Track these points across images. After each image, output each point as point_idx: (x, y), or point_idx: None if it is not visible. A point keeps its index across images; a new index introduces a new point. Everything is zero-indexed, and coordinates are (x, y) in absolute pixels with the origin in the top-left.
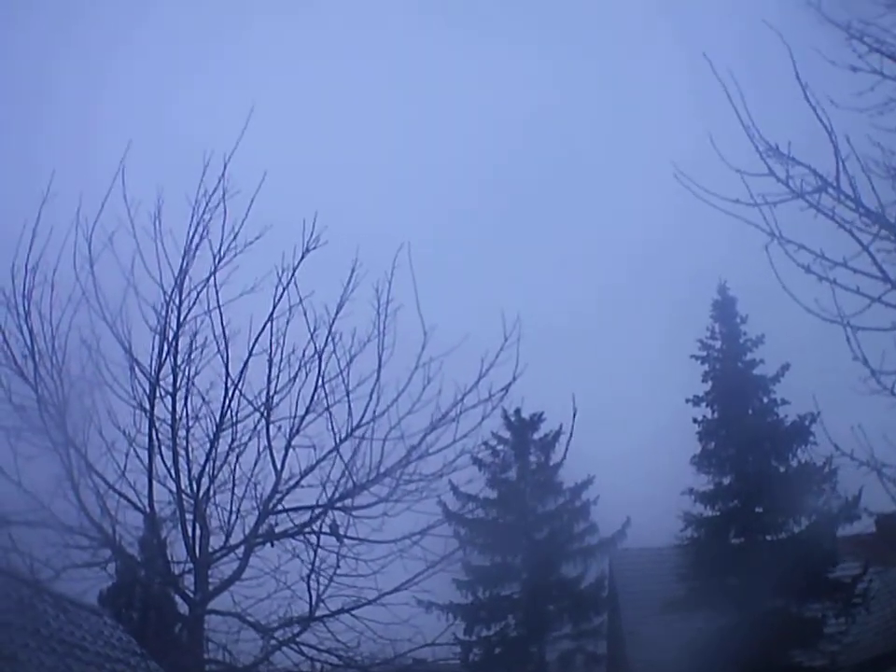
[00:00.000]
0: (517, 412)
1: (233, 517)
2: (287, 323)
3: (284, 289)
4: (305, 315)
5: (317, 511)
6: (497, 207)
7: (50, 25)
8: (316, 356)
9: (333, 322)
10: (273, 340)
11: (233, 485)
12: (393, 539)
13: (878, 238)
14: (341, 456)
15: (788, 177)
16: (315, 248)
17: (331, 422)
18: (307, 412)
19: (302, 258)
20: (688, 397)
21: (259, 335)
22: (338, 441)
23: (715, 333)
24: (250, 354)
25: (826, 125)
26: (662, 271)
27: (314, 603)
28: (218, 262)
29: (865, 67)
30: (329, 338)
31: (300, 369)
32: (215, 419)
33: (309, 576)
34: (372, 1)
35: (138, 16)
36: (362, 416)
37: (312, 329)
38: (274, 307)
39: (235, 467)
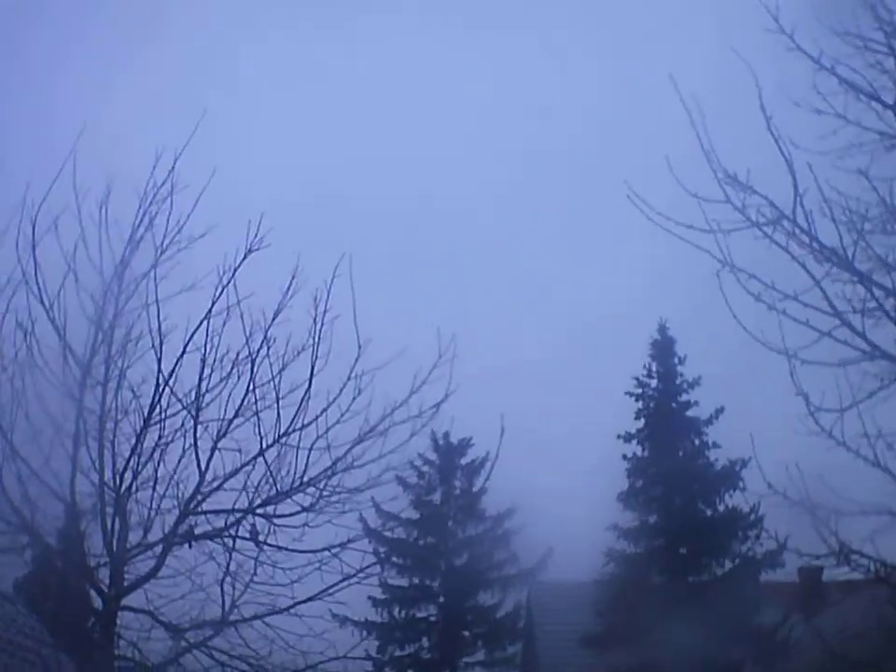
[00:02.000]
0: (446, 435)
1: (153, 515)
2: (224, 325)
3: (223, 289)
4: (242, 317)
5: (238, 515)
6: (449, 224)
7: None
8: (249, 359)
9: (269, 327)
10: (209, 340)
11: (155, 483)
12: (312, 550)
13: (830, 275)
14: (266, 462)
15: (744, 206)
16: (257, 249)
17: (259, 427)
18: (236, 415)
19: (244, 258)
20: (620, 433)
21: (194, 333)
22: (264, 446)
23: (651, 372)
24: (183, 351)
25: (787, 157)
26: (606, 303)
27: (227, 608)
28: (160, 255)
29: (829, 111)
30: (264, 343)
31: (232, 370)
32: (143, 414)
33: (223, 580)
34: None
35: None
36: (290, 424)
37: (247, 333)
38: (212, 306)
39: (159, 464)
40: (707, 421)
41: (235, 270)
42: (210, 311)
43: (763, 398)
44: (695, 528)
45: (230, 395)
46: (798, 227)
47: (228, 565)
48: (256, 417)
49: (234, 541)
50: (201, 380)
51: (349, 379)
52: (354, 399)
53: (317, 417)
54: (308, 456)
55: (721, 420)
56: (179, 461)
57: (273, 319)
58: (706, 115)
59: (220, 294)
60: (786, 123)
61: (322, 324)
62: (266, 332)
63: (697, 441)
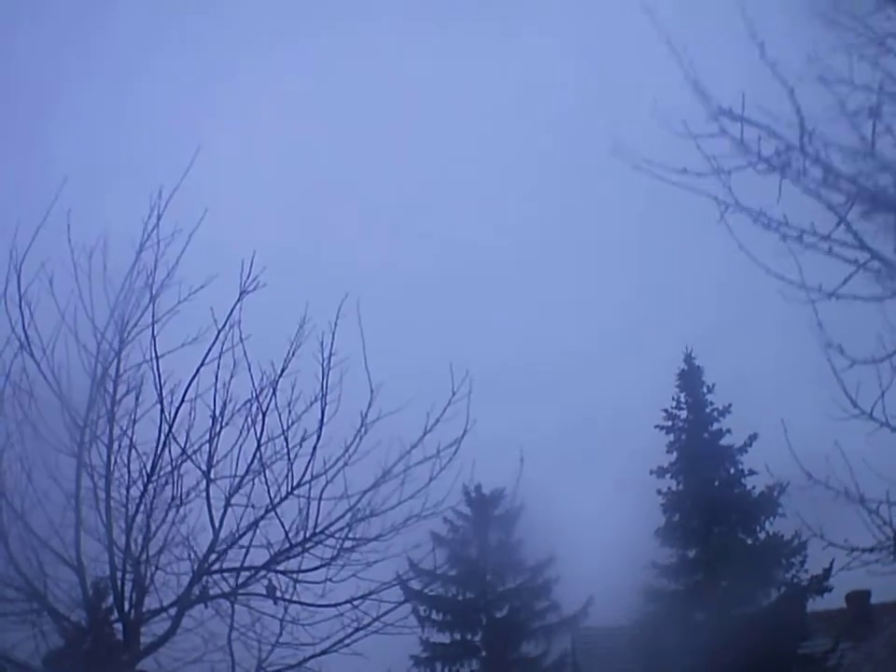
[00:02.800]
0: (478, 488)
1: (168, 576)
2: (231, 377)
3: (218, 334)
4: (250, 368)
5: (251, 572)
6: (456, 258)
7: None
8: (259, 412)
9: (278, 380)
10: (217, 393)
11: (165, 543)
12: (333, 604)
13: (854, 207)
14: (278, 517)
15: (742, 141)
16: (252, 290)
17: (266, 482)
18: (247, 470)
19: (239, 300)
20: (652, 468)
21: (189, 384)
22: (274, 500)
23: (680, 403)
24: (181, 403)
25: (786, 84)
26: (629, 332)
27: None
28: (155, 304)
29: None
30: (273, 395)
31: (244, 427)
32: (147, 472)
33: (229, 636)
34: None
35: (85, 46)
36: (303, 475)
37: (255, 386)
38: (207, 354)
39: (172, 524)
40: (740, 448)
41: (231, 313)
42: (205, 359)
43: (794, 389)
44: (736, 559)
45: (240, 449)
46: (809, 157)
47: (231, 622)
48: (267, 470)
49: (239, 599)
50: (212, 437)
51: (362, 426)
52: (358, 440)
53: (330, 467)
54: (319, 507)
55: (756, 445)
56: (181, 517)
57: (282, 373)
58: (690, 46)
59: (215, 342)
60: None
61: (328, 369)
62: (275, 386)
63: (732, 470)
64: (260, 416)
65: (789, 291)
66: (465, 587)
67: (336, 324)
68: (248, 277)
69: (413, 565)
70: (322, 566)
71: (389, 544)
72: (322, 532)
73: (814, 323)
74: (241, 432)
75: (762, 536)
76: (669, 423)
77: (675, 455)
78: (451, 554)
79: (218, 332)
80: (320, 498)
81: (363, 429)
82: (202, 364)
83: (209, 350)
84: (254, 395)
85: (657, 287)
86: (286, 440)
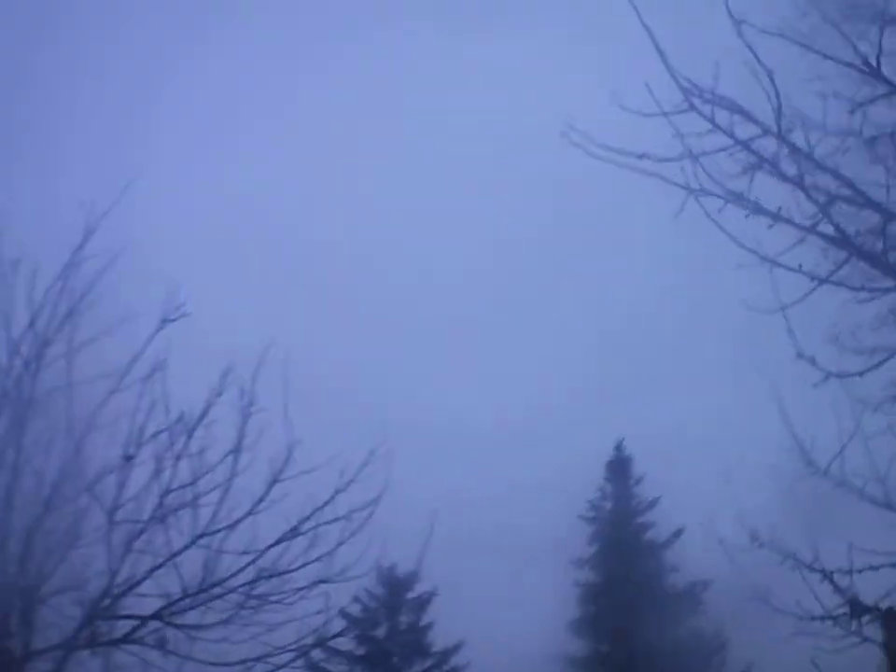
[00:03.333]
0: (391, 568)
1: (62, 618)
2: (147, 419)
3: (138, 365)
4: (168, 411)
5: (142, 621)
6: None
7: None
8: (173, 458)
9: (194, 428)
10: (130, 434)
11: (61, 582)
12: (227, 663)
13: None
14: (176, 567)
15: (714, 120)
16: (174, 320)
17: (167, 530)
18: (152, 516)
19: (159, 329)
20: (572, 558)
21: (96, 414)
22: (176, 549)
23: (606, 494)
24: (99, 442)
25: (762, 63)
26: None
27: None
28: (51, 339)
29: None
30: (188, 441)
31: (155, 471)
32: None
33: None
34: None
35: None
36: (207, 525)
37: (172, 433)
38: (121, 380)
39: (68, 563)
40: (664, 544)
41: (149, 341)
42: (117, 387)
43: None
44: (653, 657)
45: (148, 493)
46: (787, 143)
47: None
48: (173, 518)
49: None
50: (120, 482)
51: (275, 482)
52: (267, 495)
53: (238, 520)
54: (216, 559)
55: (685, 538)
56: (82, 558)
57: (200, 419)
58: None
59: (131, 369)
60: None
61: (246, 418)
62: (191, 432)
63: (655, 565)
64: (172, 461)
65: (757, 300)
66: (371, 668)
67: (257, 371)
68: (172, 306)
69: (321, 639)
70: (219, 622)
71: (293, 610)
72: (221, 584)
73: (783, 334)
74: (152, 475)
75: (681, 633)
76: (592, 514)
77: (596, 546)
78: (360, 634)
79: (134, 360)
80: (217, 549)
81: (274, 483)
82: (112, 392)
83: (122, 378)
84: (169, 438)
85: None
86: (193, 487)
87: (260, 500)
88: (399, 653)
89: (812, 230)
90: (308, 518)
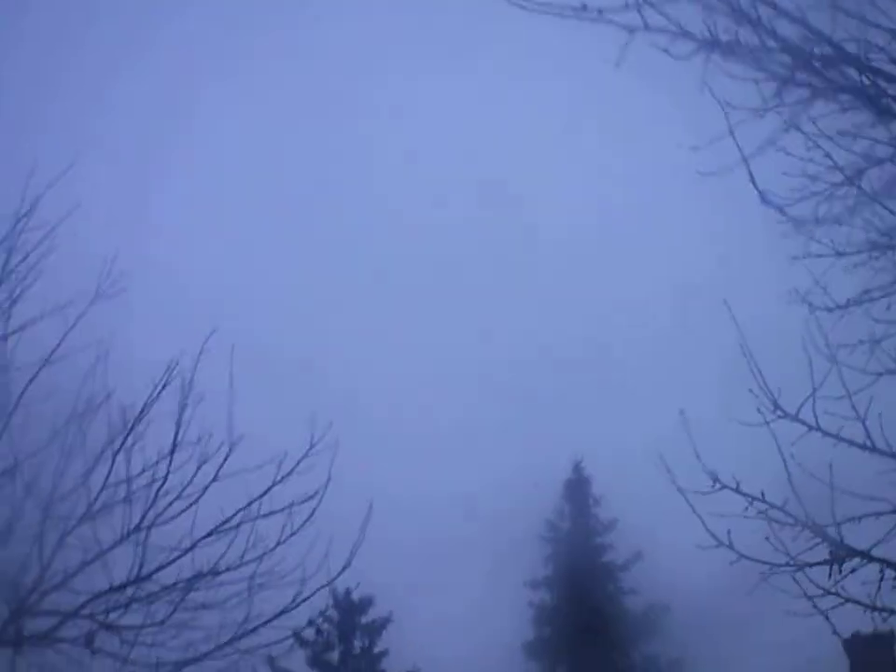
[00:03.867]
0: (347, 592)
1: None
2: (86, 414)
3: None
4: (108, 398)
5: (63, 618)
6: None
7: None
8: (111, 453)
9: (134, 424)
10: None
11: None
12: (157, 663)
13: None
14: (107, 563)
15: None
16: (111, 293)
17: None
18: (87, 511)
19: (93, 301)
20: (526, 579)
21: (25, 391)
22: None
23: (564, 514)
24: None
25: None
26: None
27: None
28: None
29: None
30: (129, 434)
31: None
32: None
33: None
34: None
35: None
36: (141, 520)
37: (112, 426)
38: (51, 354)
39: None
40: (622, 566)
41: (80, 316)
42: (49, 357)
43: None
44: None
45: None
46: (762, 27)
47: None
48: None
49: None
50: (57, 474)
51: (214, 479)
52: (200, 495)
53: (174, 516)
54: (146, 555)
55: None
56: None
57: (141, 413)
58: None
59: (62, 340)
60: None
61: (184, 409)
62: (131, 428)
63: (612, 588)
64: (111, 454)
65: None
66: None
67: (199, 360)
68: (107, 279)
69: (271, 662)
70: (153, 624)
71: (234, 614)
72: (149, 578)
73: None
74: (89, 469)
75: (636, 658)
76: (550, 534)
77: (552, 567)
78: (313, 656)
79: (64, 336)
80: (142, 544)
81: (214, 480)
82: (42, 365)
83: (52, 353)
84: (108, 432)
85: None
86: (130, 482)
87: (199, 497)
88: None
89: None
90: (244, 510)
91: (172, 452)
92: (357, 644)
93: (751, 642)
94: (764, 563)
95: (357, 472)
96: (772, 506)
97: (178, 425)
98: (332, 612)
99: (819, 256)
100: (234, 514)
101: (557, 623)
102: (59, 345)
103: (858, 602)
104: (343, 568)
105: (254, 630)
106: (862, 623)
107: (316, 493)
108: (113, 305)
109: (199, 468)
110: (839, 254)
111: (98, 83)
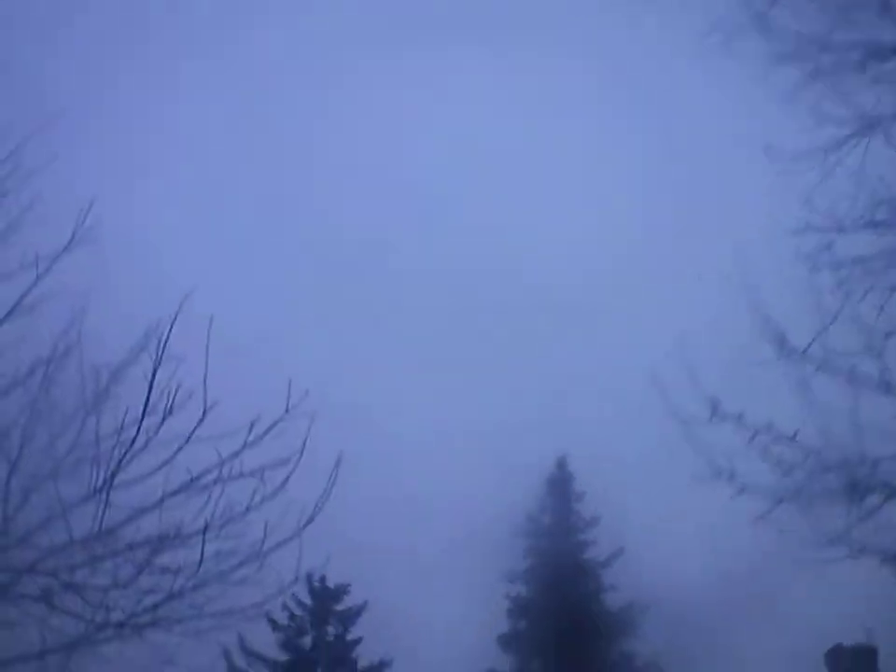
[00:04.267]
0: (322, 579)
1: None
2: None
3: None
4: (82, 366)
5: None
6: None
7: None
8: (83, 412)
9: (108, 386)
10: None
11: None
12: (118, 622)
13: None
14: (66, 521)
15: None
16: (84, 239)
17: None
18: (56, 468)
19: (68, 245)
20: (504, 572)
21: None
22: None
23: (545, 508)
24: None
25: None
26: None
27: None
28: None
29: None
30: (104, 397)
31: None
32: None
33: None
34: None
35: None
36: (107, 478)
37: (84, 386)
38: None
39: None
40: (604, 563)
41: (53, 261)
42: (15, 307)
43: None
44: None
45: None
46: None
47: None
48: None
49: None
50: (26, 430)
51: (186, 441)
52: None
53: (144, 476)
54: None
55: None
56: None
57: (115, 375)
58: None
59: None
60: None
61: (156, 370)
62: (105, 389)
63: (592, 584)
64: (82, 415)
65: None
66: None
67: (174, 322)
68: (82, 224)
69: (241, 642)
70: (117, 585)
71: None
72: (111, 533)
73: None
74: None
75: (614, 656)
76: (529, 527)
77: (531, 560)
78: (285, 641)
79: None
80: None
81: (185, 443)
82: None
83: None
84: (82, 391)
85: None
86: (98, 442)
87: (169, 459)
88: (324, 665)
89: None
90: (213, 469)
91: (143, 413)
92: (331, 631)
93: (735, 641)
94: (770, 496)
95: (333, 442)
96: (780, 437)
97: (151, 386)
98: (306, 598)
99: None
100: (203, 473)
101: (533, 616)
102: (27, 293)
103: (876, 553)
104: (308, 521)
105: (220, 596)
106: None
107: (290, 458)
108: (87, 254)
109: (159, 418)
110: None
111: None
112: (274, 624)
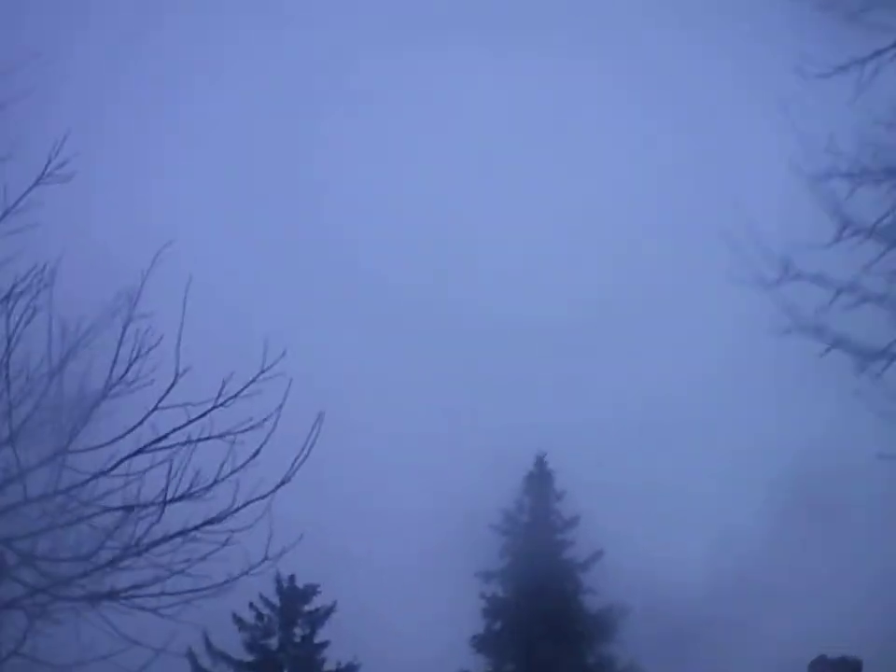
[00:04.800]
0: (291, 578)
1: None
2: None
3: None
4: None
5: None
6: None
7: None
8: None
9: (78, 342)
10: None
11: None
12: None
13: None
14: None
15: None
16: (55, 178)
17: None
18: (15, 430)
19: (36, 184)
20: (479, 570)
21: None
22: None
23: (523, 507)
24: None
25: None
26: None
27: None
28: None
29: None
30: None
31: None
32: None
33: None
34: None
35: None
36: (67, 443)
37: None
38: None
39: None
40: (583, 564)
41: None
42: None
43: None
44: None
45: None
46: None
47: None
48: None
49: None
50: None
51: (154, 409)
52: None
53: (104, 444)
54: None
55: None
56: None
57: (84, 337)
58: None
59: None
60: None
61: (125, 328)
62: (75, 346)
63: (571, 585)
64: (48, 374)
65: None
66: None
67: (148, 273)
68: (55, 158)
69: (207, 642)
70: (77, 558)
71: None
72: (64, 493)
73: None
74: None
75: (590, 661)
76: (506, 525)
77: (507, 560)
78: (251, 641)
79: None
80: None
81: (154, 410)
82: None
83: None
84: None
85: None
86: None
87: (136, 426)
88: (291, 666)
89: None
90: (179, 430)
91: (111, 372)
92: (298, 632)
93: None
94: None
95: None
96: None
97: (120, 343)
98: (274, 598)
99: None
100: (167, 434)
101: (509, 617)
102: None
103: None
104: (282, 483)
105: (182, 572)
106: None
107: (263, 421)
108: (62, 190)
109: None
110: None
111: None
112: (241, 624)
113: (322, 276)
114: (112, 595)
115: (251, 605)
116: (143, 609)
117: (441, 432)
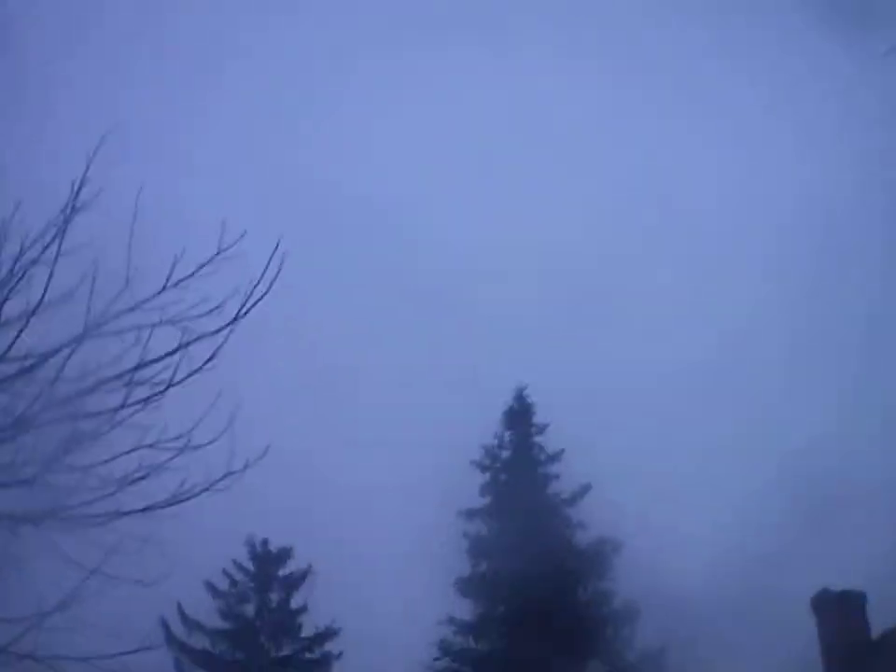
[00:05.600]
0: (265, 542)
1: None
2: None
3: None
4: None
5: None
6: None
7: None
8: None
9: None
10: None
11: None
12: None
13: None
14: None
15: None
16: None
17: None
18: None
19: None
20: (461, 509)
21: None
22: None
23: (504, 442)
24: None
25: None
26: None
27: None
28: None
29: None
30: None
31: None
32: None
33: None
34: None
35: None
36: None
37: None
38: None
39: None
40: (570, 500)
41: None
42: None
43: None
44: (553, 622)
45: None
46: None
47: None
48: None
49: None
50: None
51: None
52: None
53: (46, 356)
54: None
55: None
56: None
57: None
58: None
59: None
60: None
61: (71, 209)
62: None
63: (558, 521)
64: None
65: None
66: (236, 646)
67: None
68: None
69: (181, 612)
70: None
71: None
72: None
73: None
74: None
75: (585, 597)
76: (487, 461)
77: (490, 497)
78: (225, 608)
79: None
80: None
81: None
82: None
83: None
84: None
85: None
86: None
87: (82, 337)
88: (268, 633)
89: None
90: (125, 312)
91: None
92: (274, 598)
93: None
94: None
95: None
96: None
97: (59, 234)
98: (247, 563)
99: None
100: (115, 318)
101: (496, 556)
102: None
103: None
104: (216, 351)
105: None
106: None
107: (219, 306)
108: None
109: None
110: None
111: None
112: (215, 591)
113: (322, 276)
114: (58, 513)
115: (224, 571)
116: (93, 525)
117: (422, 366)
